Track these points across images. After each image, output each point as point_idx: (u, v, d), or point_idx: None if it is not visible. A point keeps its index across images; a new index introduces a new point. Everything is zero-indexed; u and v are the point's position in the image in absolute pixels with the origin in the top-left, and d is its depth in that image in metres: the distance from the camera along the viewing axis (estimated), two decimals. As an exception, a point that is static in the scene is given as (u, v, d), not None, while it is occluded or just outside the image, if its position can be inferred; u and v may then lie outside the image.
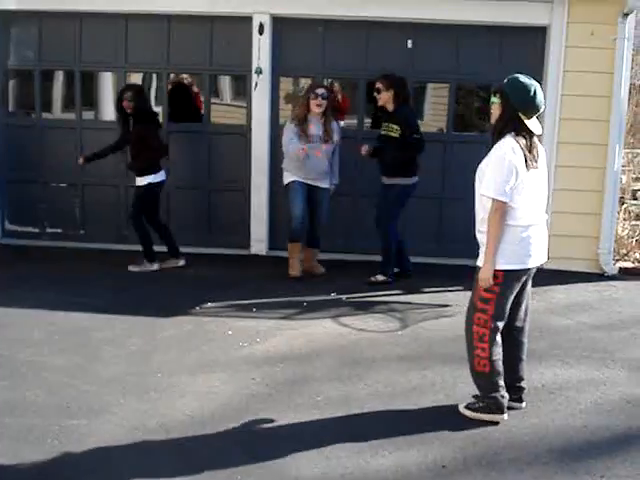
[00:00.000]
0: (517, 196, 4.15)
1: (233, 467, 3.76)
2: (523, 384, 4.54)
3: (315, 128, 7.18)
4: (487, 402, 4.32)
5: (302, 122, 7.19)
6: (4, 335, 5.53)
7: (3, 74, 8.41)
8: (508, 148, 4.13)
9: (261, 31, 7.89)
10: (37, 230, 8.63)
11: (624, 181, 10.09)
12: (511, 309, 4.35)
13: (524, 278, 4.31)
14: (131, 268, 7.42)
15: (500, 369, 4.31)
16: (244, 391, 4.67)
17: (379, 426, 4.26)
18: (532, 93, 4.13)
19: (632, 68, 7.96)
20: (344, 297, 6.79)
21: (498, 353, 4.29)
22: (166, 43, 8.20)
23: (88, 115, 8.59)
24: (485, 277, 4.19)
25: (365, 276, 7.30)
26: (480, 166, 4.31)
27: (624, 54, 7.55)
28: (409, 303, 6.68)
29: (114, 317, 6.00)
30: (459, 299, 6.73)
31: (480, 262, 4.25)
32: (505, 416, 4.32)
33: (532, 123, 4.19)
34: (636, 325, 6.28)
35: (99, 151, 7.57)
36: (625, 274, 7.89)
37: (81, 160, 7.64)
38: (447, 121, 8.23)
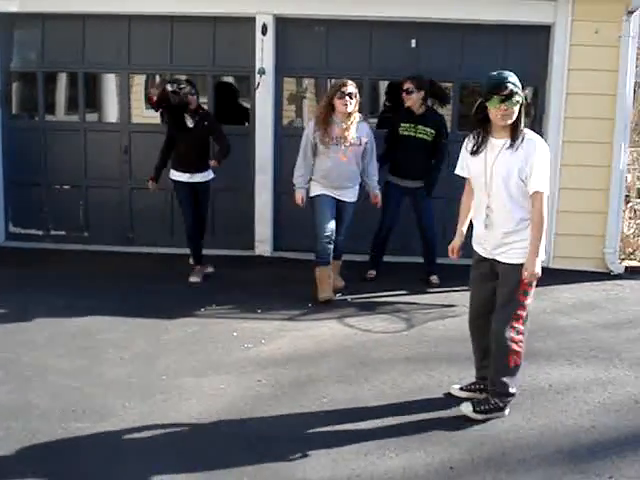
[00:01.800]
0: None
1: (240, 469, 3.74)
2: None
3: (339, 129, 6.49)
4: (498, 400, 4.34)
5: (324, 124, 6.48)
6: (8, 338, 5.52)
7: (6, 76, 8.40)
8: (545, 145, 4.23)
9: (264, 31, 7.86)
10: (41, 232, 8.61)
11: (629, 180, 10.04)
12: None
13: None
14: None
15: None
16: (250, 393, 4.65)
17: (386, 427, 4.23)
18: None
19: (637, 66, 7.92)
20: (349, 298, 6.76)
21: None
22: (169, 44, 8.18)
23: (92, 117, 8.59)
24: (537, 272, 4.16)
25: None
26: (511, 166, 4.18)
27: (629, 52, 7.51)
28: (414, 303, 6.65)
29: (118, 319, 5.99)
30: (464, 299, 6.64)
31: (514, 259, 4.21)
32: (507, 412, 4.38)
33: None
34: (643, 324, 6.25)
35: (158, 162, 7.20)
36: (631, 273, 7.85)
37: (151, 184, 7.20)
38: (451, 120, 8.19)
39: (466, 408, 4.39)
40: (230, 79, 8.61)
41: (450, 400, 4.60)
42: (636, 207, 9.59)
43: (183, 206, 7.20)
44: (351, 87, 6.45)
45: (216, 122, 7.26)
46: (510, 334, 4.24)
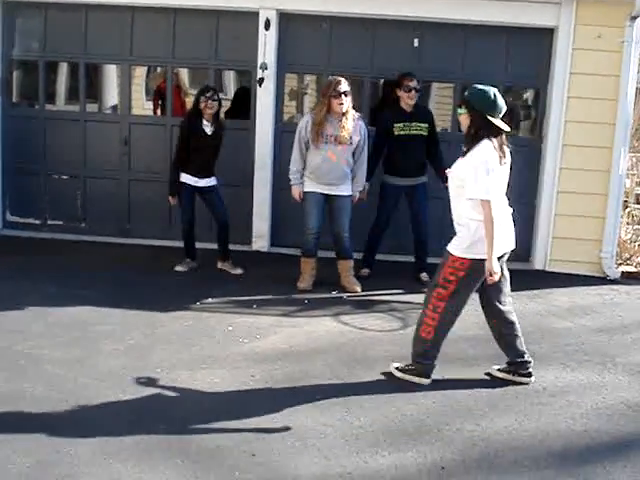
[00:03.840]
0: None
1: (231, 464, 3.74)
2: (527, 357, 4.92)
3: (332, 128, 6.56)
4: (417, 366, 4.84)
5: (319, 124, 6.53)
6: (3, 327, 5.51)
7: (7, 64, 8.38)
8: (487, 152, 4.55)
9: (267, 27, 7.85)
10: (38, 222, 8.61)
11: (628, 185, 10.06)
12: (494, 293, 4.82)
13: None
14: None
15: (439, 345, 4.81)
16: (243, 388, 4.65)
17: (378, 426, 4.23)
18: (493, 96, 4.56)
19: (639, 72, 7.91)
20: (345, 295, 6.76)
21: (444, 326, 4.77)
22: (172, 37, 8.17)
23: (92, 107, 8.58)
24: (492, 268, 4.46)
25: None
26: (456, 169, 4.71)
27: (631, 57, 7.51)
28: (410, 303, 6.63)
29: (114, 311, 5.99)
30: (460, 300, 6.71)
31: (451, 247, 4.70)
32: (429, 381, 4.81)
33: (502, 122, 4.60)
34: (638, 330, 6.25)
35: (173, 175, 7.18)
36: (627, 278, 7.85)
37: (172, 200, 7.24)
38: (452, 121, 8.20)
39: (392, 366, 4.98)
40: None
41: (443, 400, 4.62)
42: (634, 212, 9.61)
43: (183, 205, 7.24)
44: (345, 85, 6.51)
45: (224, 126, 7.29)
46: (427, 306, 4.78)
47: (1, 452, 3.72)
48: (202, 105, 6.94)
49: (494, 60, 7.96)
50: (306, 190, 6.81)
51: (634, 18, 7.42)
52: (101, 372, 4.77)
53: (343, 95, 6.48)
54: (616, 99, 7.63)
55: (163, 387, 4.59)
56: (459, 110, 4.76)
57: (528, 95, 8.52)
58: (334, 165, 6.66)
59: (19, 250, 7.90)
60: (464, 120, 4.69)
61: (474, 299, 6.20)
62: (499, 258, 4.61)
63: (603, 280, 7.76)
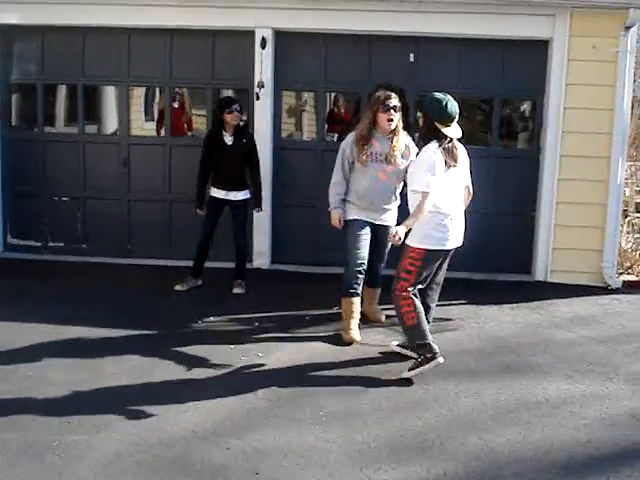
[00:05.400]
0: (439, 189, 5.03)
1: (234, 483, 3.74)
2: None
3: (380, 146, 5.87)
4: (421, 352, 5.10)
5: (364, 139, 5.86)
6: (6, 349, 5.51)
7: (6, 88, 8.43)
8: (431, 152, 5.05)
9: (263, 45, 7.89)
10: (39, 244, 8.62)
11: (627, 194, 10.08)
12: (429, 279, 5.34)
13: (441, 257, 5.22)
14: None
15: (424, 320, 5.20)
16: (246, 406, 4.64)
17: (382, 441, 4.22)
18: (444, 105, 5.00)
19: (634, 81, 7.95)
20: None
21: (419, 307, 5.17)
22: (168, 57, 8.22)
23: (91, 129, 8.61)
24: (399, 234, 4.98)
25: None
26: (409, 169, 5.46)
27: (626, 67, 7.56)
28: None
29: (116, 331, 5.98)
30: (462, 313, 6.71)
31: (407, 239, 5.13)
32: (441, 359, 5.05)
33: (449, 130, 5.06)
34: (640, 339, 6.25)
35: (198, 188, 7.20)
36: (629, 287, 7.84)
37: (198, 212, 7.23)
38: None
39: (403, 374, 5.13)
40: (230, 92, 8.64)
41: (446, 414, 4.61)
42: (634, 221, 9.62)
43: (205, 217, 7.21)
44: (395, 100, 5.84)
45: (253, 139, 7.25)
46: (398, 298, 5.18)
47: (4, 476, 3.72)
48: (228, 117, 6.93)
49: (490, 73, 8.00)
50: (350, 218, 6.03)
51: (628, 28, 7.48)
52: (104, 393, 4.77)
53: (392, 110, 5.81)
54: (612, 109, 7.66)
55: (165, 407, 4.58)
56: (418, 113, 5.33)
57: (525, 107, 8.55)
58: (384, 186, 5.96)
59: (20, 273, 7.91)
60: (421, 121, 5.30)
61: (469, 315, 6.22)
62: (446, 252, 5.19)
63: (604, 290, 7.75)
